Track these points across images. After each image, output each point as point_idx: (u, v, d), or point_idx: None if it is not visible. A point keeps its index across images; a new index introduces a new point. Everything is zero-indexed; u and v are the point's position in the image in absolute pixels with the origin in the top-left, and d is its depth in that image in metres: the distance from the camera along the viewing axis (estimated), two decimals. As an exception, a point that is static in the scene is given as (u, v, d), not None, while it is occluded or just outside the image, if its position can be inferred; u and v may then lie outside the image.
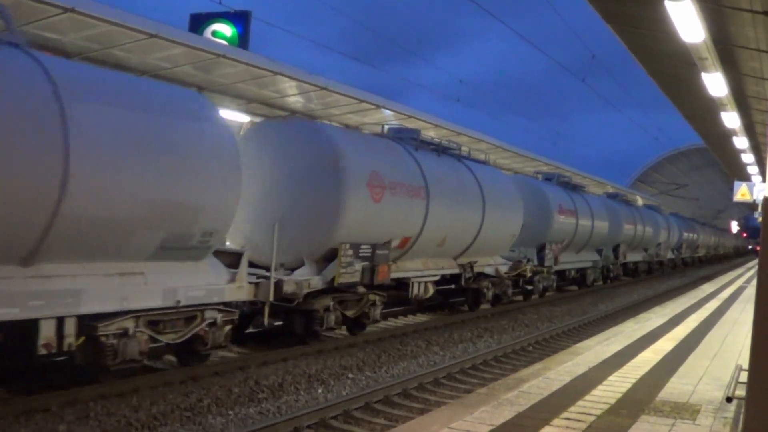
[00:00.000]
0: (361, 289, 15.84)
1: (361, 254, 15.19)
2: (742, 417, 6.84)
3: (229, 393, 10.94)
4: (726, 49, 14.17)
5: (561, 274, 30.11)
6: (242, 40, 25.03)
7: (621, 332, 14.83)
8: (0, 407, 9.19)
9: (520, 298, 26.27)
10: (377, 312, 16.54)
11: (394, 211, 16.29)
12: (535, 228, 25.55)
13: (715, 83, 15.30)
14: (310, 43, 26.24)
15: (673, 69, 17.68)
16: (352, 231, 15.03)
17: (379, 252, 15.69)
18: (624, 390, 9.16)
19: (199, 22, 25.55)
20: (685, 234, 60.03)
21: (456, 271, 20.17)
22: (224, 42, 23.23)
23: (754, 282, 6.08)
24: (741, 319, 17.89)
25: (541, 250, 26.14)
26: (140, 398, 10.26)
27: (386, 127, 20.41)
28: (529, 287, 26.16)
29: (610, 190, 46.79)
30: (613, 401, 8.50)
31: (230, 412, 10.26)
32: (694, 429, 7.50)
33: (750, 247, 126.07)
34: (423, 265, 18.49)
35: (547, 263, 26.30)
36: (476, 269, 20.95)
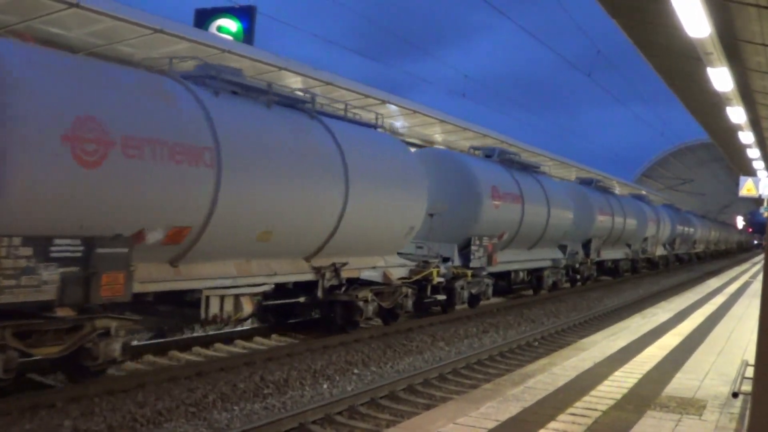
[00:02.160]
0: (67, 313, 9.74)
1: (55, 254, 9.27)
2: (748, 412, 6.83)
3: (235, 388, 10.95)
4: (731, 44, 14.14)
5: (506, 277, 23.90)
6: (247, 36, 25.11)
7: (627, 327, 14.81)
8: (5, 403, 9.21)
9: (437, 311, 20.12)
10: (115, 347, 10.35)
11: (138, 183, 10.27)
12: (456, 217, 19.90)
13: (721, 78, 15.27)
14: (316, 39, 26.19)
15: (678, 64, 17.66)
16: (32, 215, 9.18)
17: (103, 251, 9.76)
18: (630, 385, 9.15)
19: (204, 18, 25.63)
20: (680, 227, 53.37)
21: (308, 277, 14.39)
22: (229, 37, 23.29)
23: (760, 277, 6.07)
24: (747, 315, 17.85)
25: (465, 247, 20.06)
26: (145, 394, 10.27)
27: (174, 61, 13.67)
28: (440, 297, 19.22)
29: (584, 175, 41.09)
30: (618, 397, 8.49)
31: (235, 408, 10.27)
32: (700, 424, 7.48)
33: (755, 242, 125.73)
34: (238, 269, 12.64)
35: (474, 264, 20.06)
36: (346, 274, 15.07)
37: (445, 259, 19.18)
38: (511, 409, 7.67)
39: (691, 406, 8.23)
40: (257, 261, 13.13)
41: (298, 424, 9.49)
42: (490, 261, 20.96)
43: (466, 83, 31.54)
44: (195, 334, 14.70)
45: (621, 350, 11.85)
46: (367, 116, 17.42)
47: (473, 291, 20.67)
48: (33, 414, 9.09)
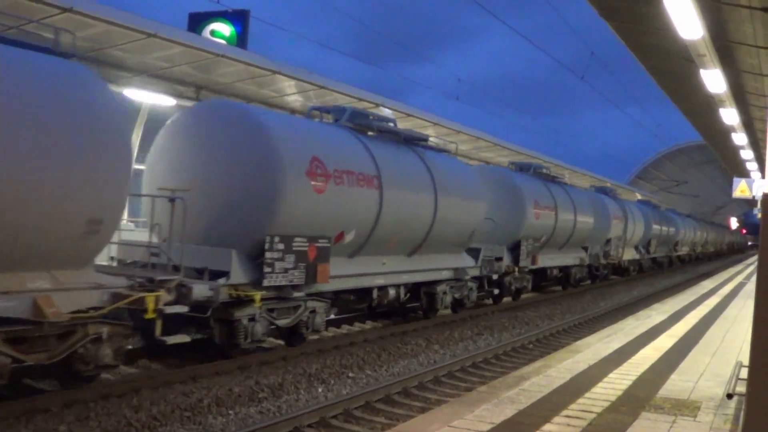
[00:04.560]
0: None
1: None
2: (742, 413, 6.84)
3: (230, 393, 10.94)
4: (724, 46, 14.17)
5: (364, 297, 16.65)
6: (241, 40, 25.15)
7: (621, 329, 14.83)
8: (1, 408, 9.18)
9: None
10: None
11: None
12: (243, 207, 12.95)
13: (714, 80, 15.30)
14: (311, 42, 26.25)
15: (671, 66, 17.70)
16: None
17: None
18: (624, 387, 9.16)
19: (197, 22, 25.65)
20: (656, 227, 45.91)
21: None
22: (223, 41, 23.31)
23: (754, 278, 6.08)
24: (741, 316, 17.89)
25: (259, 255, 12.70)
26: (140, 398, 10.26)
27: None
28: (176, 340, 11.38)
29: (521, 160, 31.92)
30: (613, 398, 8.50)
31: (230, 412, 10.26)
32: (695, 426, 7.49)
33: (750, 243, 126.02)
34: None
35: (271, 281, 12.73)
36: None
37: (219, 274, 12.31)
38: (506, 412, 7.67)
39: (686, 407, 8.24)
40: None
41: (294, 427, 9.49)
42: (313, 275, 13.55)
43: (460, 86, 31.60)
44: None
45: (615, 352, 11.86)
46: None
47: (282, 322, 13.55)
48: (28, 419, 9.08)
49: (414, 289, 18.44)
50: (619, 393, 8.82)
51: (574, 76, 30.37)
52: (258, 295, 12.54)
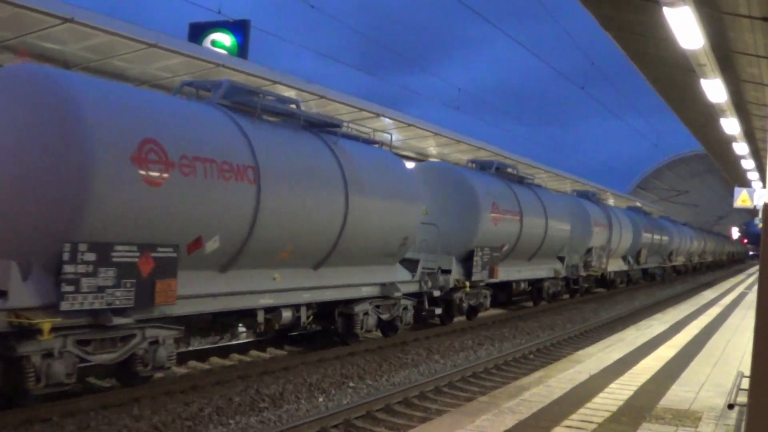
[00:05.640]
0: None
1: None
2: (743, 424, 6.82)
3: (230, 402, 10.92)
4: (725, 55, 14.18)
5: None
6: (241, 50, 25.23)
7: (622, 339, 14.81)
8: (0, 417, 9.17)
9: None
10: None
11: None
12: (26, 196, 9.81)
13: (715, 89, 15.31)
14: (311, 53, 26.32)
15: (672, 75, 17.72)
16: None
17: None
18: (625, 397, 9.14)
19: (198, 32, 25.73)
20: (647, 235, 42.26)
21: None
22: (223, 51, 23.37)
23: (756, 288, 6.08)
24: (742, 326, 17.87)
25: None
26: (141, 408, 10.24)
27: None
28: None
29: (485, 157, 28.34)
30: (614, 409, 8.48)
31: (231, 422, 10.24)
32: (696, 436, 7.48)
33: (751, 253, 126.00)
34: None
35: (74, 305, 9.41)
36: None
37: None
38: (507, 422, 7.66)
39: (687, 417, 8.22)
40: None
41: (294, 437, 9.48)
42: (147, 296, 10.34)
43: (460, 96, 31.63)
44: (190, 348, 14.65)
45: (616, 362, 11.84)
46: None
47: (102, 358, 10.25)
48: (28, 428, 9.06)
49: (326, 309, 15.06)
50: (620, 403, 8.80)
51: (575, 86, 30.46)
52: (47, 324, 9.13)
